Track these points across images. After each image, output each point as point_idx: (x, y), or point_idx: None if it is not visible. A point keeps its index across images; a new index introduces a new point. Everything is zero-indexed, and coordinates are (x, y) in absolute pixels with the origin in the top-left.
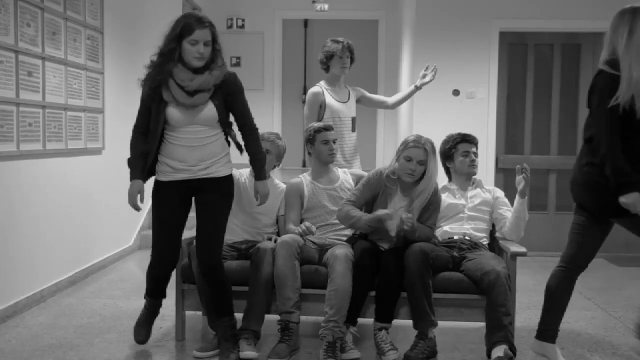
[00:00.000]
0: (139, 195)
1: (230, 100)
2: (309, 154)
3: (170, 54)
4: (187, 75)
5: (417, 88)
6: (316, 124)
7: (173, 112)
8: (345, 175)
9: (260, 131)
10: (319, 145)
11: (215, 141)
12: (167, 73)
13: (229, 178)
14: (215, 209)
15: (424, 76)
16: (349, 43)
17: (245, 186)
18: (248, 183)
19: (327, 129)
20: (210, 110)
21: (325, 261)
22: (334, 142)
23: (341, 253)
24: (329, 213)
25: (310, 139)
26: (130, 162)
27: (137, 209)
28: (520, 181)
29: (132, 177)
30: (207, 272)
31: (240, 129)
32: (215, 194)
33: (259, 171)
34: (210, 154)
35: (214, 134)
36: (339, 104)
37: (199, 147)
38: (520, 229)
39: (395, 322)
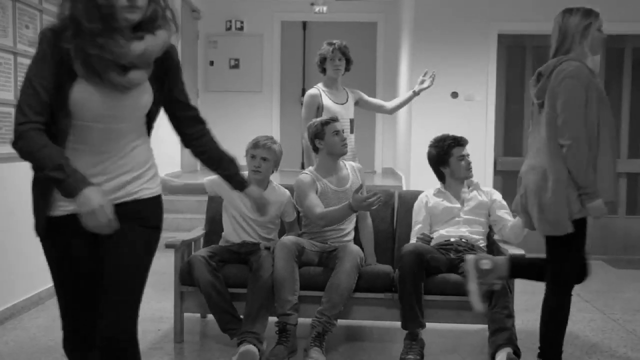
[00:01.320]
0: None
1: (168, 83)
2: (315, 150)
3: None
4: (117, 37)
5: (415, 94)
6: (320, 118)
7: (85, 96)
8: (355, 178)
9: (258, 134)
10: (330, 138)
11: (139, 145)
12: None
13: (157, 201)
14: (135, 249)
15: (422, 82)
16: (340, 45)
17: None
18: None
19: (334, 120)
20: (143, 95)
21: (335, 254)
22: (343, 132)
23: (354, 250)
24: None
25: (319, 134)
26: (66, 166)
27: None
28: None
29: (83, 185)
30: (110, 351)
31: (184, 126)
32: (137, 225)
33: (242, 178)
34: (131, 164)
35: (136, 134)
36: (336, 106)
37: (115, 155)
38: (521, 235)
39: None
